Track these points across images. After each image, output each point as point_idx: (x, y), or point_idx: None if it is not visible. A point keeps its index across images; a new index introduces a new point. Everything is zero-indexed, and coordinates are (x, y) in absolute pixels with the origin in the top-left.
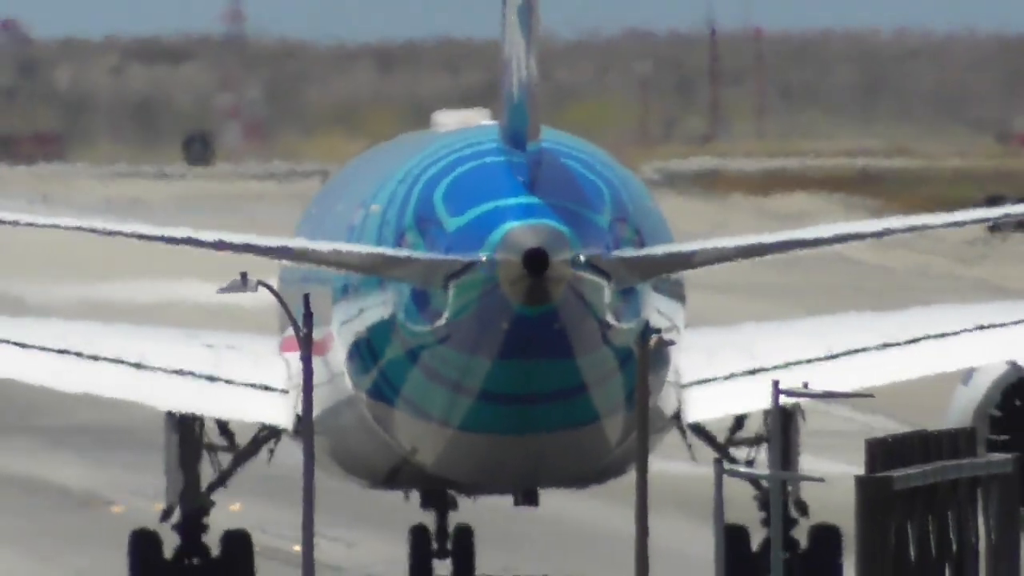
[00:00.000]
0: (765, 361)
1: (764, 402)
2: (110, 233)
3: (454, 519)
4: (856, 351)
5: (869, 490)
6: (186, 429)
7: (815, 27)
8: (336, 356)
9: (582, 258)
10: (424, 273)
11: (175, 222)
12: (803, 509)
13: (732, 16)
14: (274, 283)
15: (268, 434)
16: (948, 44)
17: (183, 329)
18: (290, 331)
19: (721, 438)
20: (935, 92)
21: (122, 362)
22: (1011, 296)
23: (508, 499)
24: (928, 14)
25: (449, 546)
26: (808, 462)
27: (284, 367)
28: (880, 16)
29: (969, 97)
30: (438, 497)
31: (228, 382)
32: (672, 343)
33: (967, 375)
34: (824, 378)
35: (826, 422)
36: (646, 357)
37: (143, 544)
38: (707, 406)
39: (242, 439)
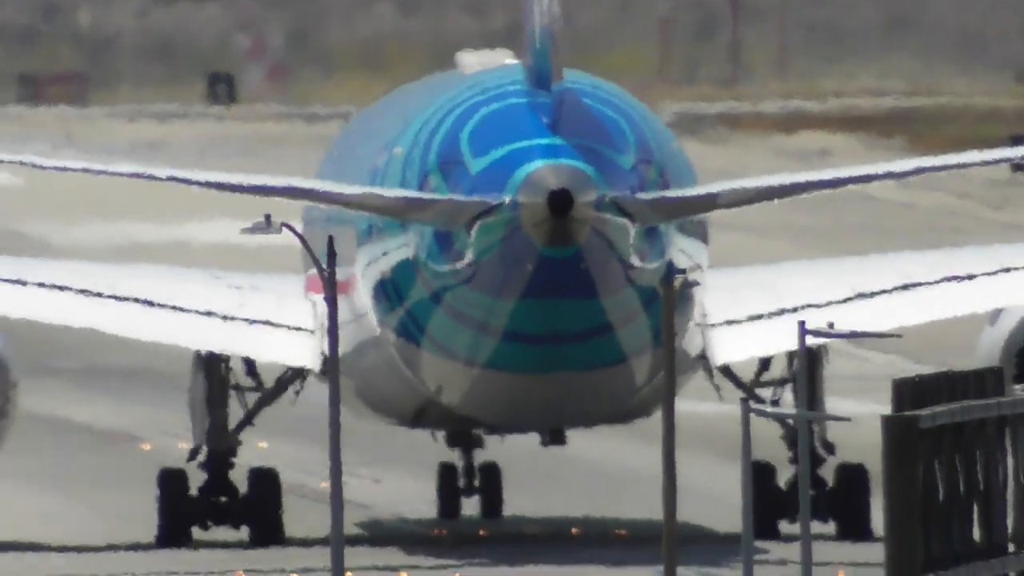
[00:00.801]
0: (790, 301)
1: (790, 342)
2: (133, 175)
3: (481, 458)
4: (882, 292)
5: (896, 429)
6: (212, 369)
7: None
8: (361, 297)
9: (606, 199)
10: (448, 215)
11: (198, 163)
12: (829, 448)
13: None
14: (298, 225)
15: (294, 374)
16: None
17: (208, 269)
18: (314, 271)
19: (747, 378)
20: (958, 31)
21: (147, 302)
22: None
23: (535, 438)
24: None
25: (476, 483)
26: (834, 403)
27: (310, 308)
28: None
29: (992, 37)
30: (464, 436)
31: (254, 322)
32: (697, 283)
33: (994, 315)
34: (850, 318)
35: (851, 363)
36: (672, 297)
37: (171, 482)
38: (733, 347)
39: (268, 379)
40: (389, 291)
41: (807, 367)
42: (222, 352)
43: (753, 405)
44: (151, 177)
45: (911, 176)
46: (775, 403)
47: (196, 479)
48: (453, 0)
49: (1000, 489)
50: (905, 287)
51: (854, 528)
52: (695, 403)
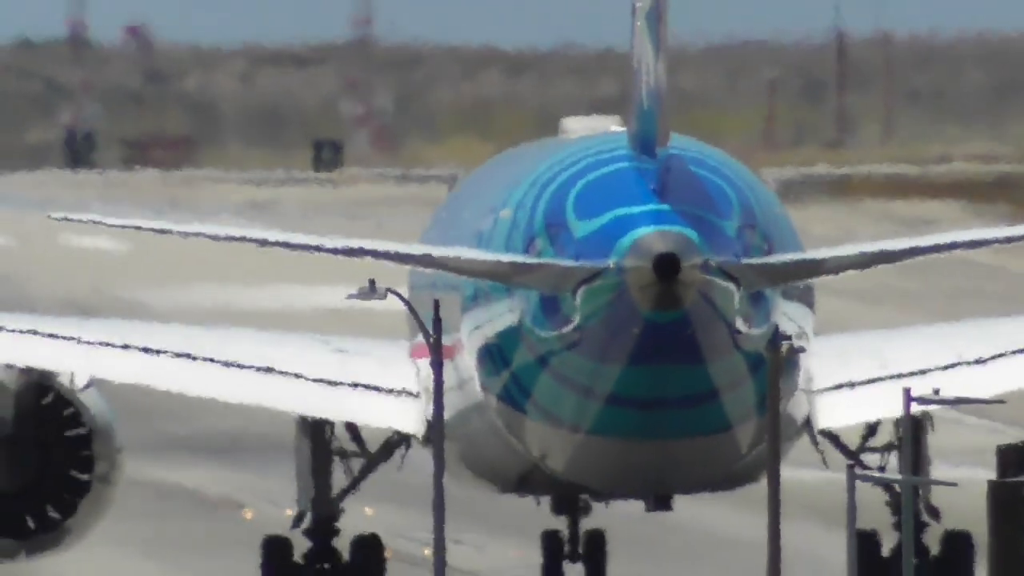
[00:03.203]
0: (895, 368)
1: (895, 409)
2: (237, 239)
3: (586, 525)
4: (986, 358)
5: (1001, 495)
6: (317, 434)
7: (944, 30)
8: (465, 362)
9: (712, 264)
10: (554, 279)
11: (304, 228)
12: (935, 514)
13: (860, 21)
14: (403, 290)
15: (399, 440)
16: None
17: (313, 334)
18: (420, 337)
19: (852, 445)
20: None
21: (253, 367)
22: None
23: (641, 504)
24: None
25: (581, 551)
26: (939, 469)
27: (414, 372)
28: (1010, 19)
29: None
30: (570, 502)
31: (359, 387)
32: (803, 349)
33: None
34: (955, 384)
35: (957, 429)
36: (777, 363)
37: (275, 549)
38: (838, 413)
39: (372, 445)
40: (494, 355)
41: (912, 433)
42: (326, 417)
43: (858, 471)
44: (256, 241)
45: (1012, 242)
46: (881, 470)
47: (300, 546)
48: (560, 65)
49: None
50: (1009, 353)
51: None
52: (800, 469)
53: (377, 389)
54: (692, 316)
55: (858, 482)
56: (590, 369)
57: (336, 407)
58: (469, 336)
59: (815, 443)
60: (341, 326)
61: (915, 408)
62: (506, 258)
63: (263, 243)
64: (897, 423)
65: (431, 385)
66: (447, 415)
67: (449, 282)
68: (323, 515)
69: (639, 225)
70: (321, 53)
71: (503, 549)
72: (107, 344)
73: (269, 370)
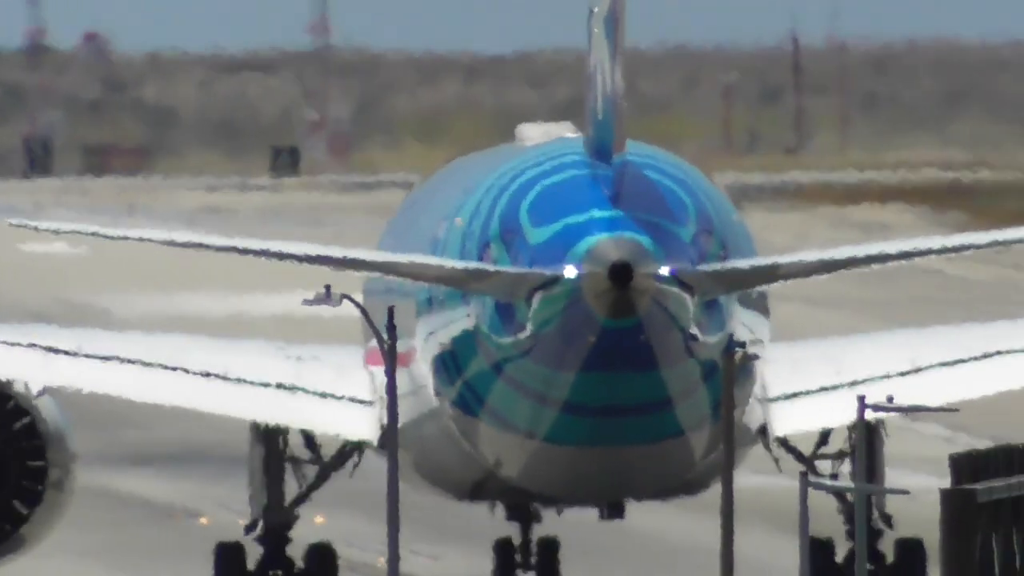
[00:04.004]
0: (850, 375)
1: (850, 416)
2: (194, 245)
3: (539, 532)
4: (941, 365)
5: (954, 503)
6: (271, 441)
7: (898, 38)
8: (420, 369)
9: (666, 271)
10: (508, 286)
11: (260, 234)
12: (888, 522)
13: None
14: (358, 296)
15: (352, 447)
16: None
17: (267, 341)
18: (374, 344)
19: (806, 452)
20: (1019, 102)
21: (206, 374)
22: None
23: (594, 512)
24: (1011, 23)
25: (534, 559)
26: (893, 476)
27: (369, 379)
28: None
29: None
30: (522, 510)
31: (313, 394)
32: (757, 357)
33: None
34: (909, 392)
35: (910, 437)
36: (731, 370)
37: (228, 556)
38: (793, 420)
39: (326, 452)
40: (448, 362)
41: (866, 441)
42: (280, 424)
43: (812, 478)
44: (209, 247)
45: (972, 249)
46: (834, 477)
47: (253, 553)
48: (515, 72)
49: None
50: (963, 360)
51: None
52: (754, 476)
53: (332, 396)
54: (646, 323)
55: (812, 489)
56: (544, 376)
57: (291, 414)
58: (424, 343)
59: (769, 450)
60: (296, 332)
61: (869, 415)
62: (461, 264)
63: (219, 249)
64: (851, 430)
65: (386, 392)
66: (402, 422)
67: (404, 289)
68: (276, 522)
69: (594, 232)
70: (279, 61)
71: (457, 557)
72: (63, 351)
73: (224, 377)
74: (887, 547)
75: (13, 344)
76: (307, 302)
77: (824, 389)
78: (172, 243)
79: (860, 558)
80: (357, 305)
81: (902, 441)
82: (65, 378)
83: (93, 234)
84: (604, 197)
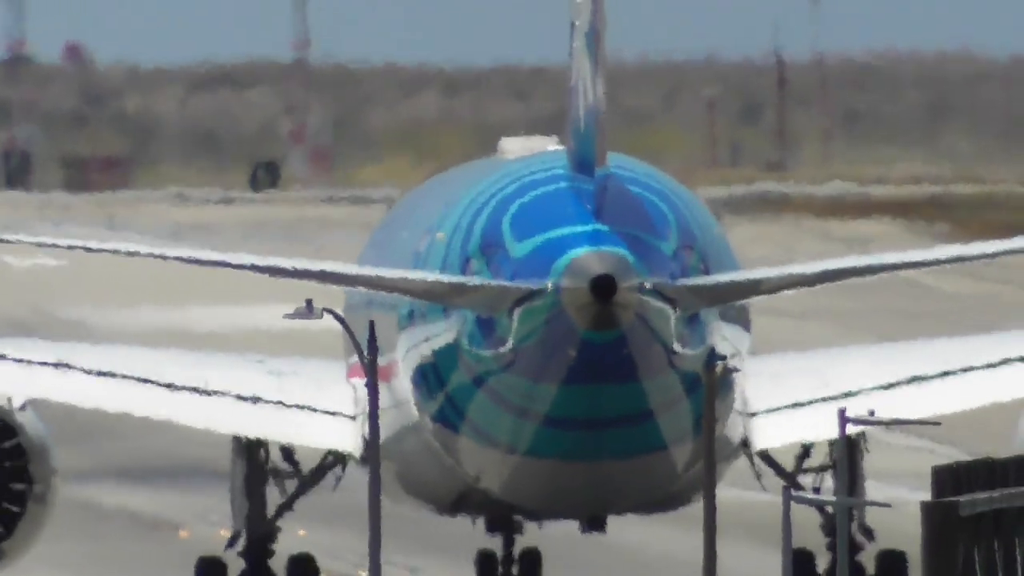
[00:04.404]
0: (831, 388)
1: (831, 429)
2: (176, 259)
3: (521, 544)
4: (922, 378)
5: (935, 516)
6: (252, 455)
7: (880, 51)
8: (402, 382)
9: (648, 285)
10: (490, 299)
11: (241, 248)
12: (869, 535)
13: (798, 41)
14: (340, 310)
15: (334, 460)
16: (1014, 67)
17: (249, 355)
18: (356, 357)
19: (788, 465)
20: (1002, 115)
21: (189, 388)
22: None
23: (576, 524)
24: (993, 37)
25: (515, 571)
26: (874, 489)
27: (350, 393)
28: (945, 39)
29: None
30: (504, 522)
31: (294, 408)
32: (738, 370)
33: None
34: (891, 405)
35: (892, 450)
36: (713, 384)
37: (209, 570)
38: (774, 433)
39: (307, 465)
40: (430, 376)
41: (847, 454)
42: (261, 437)
43: (793, 492)
44: (194, 261)
45: (955, 263)
46: (816, 490)
47: (235, 567)
48: (497, 85)
49: None
50: (946, 373)
51: None
52: (736, 490)
53: (313, 410)
54: (628, 337)
55: (794, 503)
56: (526, 389)
57: (273, 428)
58: (405, 356)
59: (752, 463)
60: (278, 346)
61: (850, 429)
62: (443, 278)
63: (200, 263)
64: (832, 444)
65: (367, 405)
66: (383, 435)
67: (386, 302)
68: (257, 535)
69: (576, 245)
70: (259, 74)
71: (439, 570)
72: (45, 364)
73: (206, 390)
74: (869, 560)
75: None
76: (288, 316)
77: (806, 402)
78: (153, 256)
79: (842, 571)
80: (338, 319)
81: (884, 455)
82: (47, 391)
83: (73, 248)
84: (586, 211)
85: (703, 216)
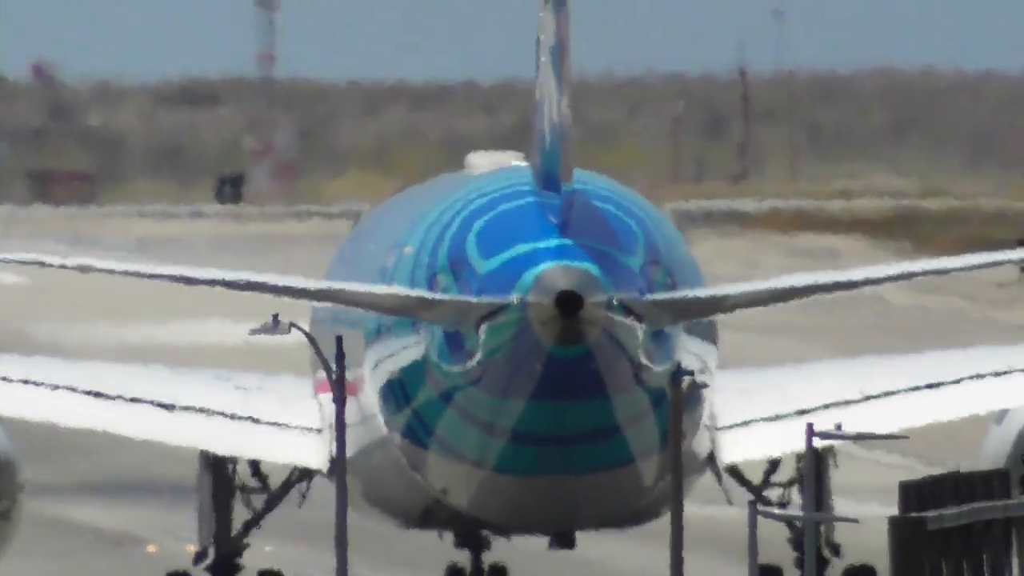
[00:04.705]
0: (799, 403)
1: (798, 444)
2: (140, 275)
3: (488, 559)
4: (889, 393)
5: (903, 531)
6: (219, 470)
7: (846, 67)
8: (369, 397)
9: (615, 300)
10: (456, 315)
11: (207, 263)
12: (836, 550)
13: (763, 57)
14: (306, 325)
15: (301, 475)
16: (979, 83)
17: (215, 371)
18: (323, 373)
19: (755, 480)
20: (966, 131)
21: (155, 403)
22: None
23: (544, 539)
24: (958, 53)
25: None
26: (842, 504)
27: (317, 408)
28: (910, 55)
29: (1001, 136)
30: (472, 537)
31: (261, 423)
32: (705, 385)
33: (1000, 416)
34: (858, 420)
35: (859, 465)
36: (679, 399)
37: None
38: (741, 448)
39: (275, 481)
40: (397, 391)
41: (814, 469)
42: (228, 453)
43: (760, 507)
44: (159, 276)
45: (919, 277)
46: (783, 505)
47: None
48: (463, 100)
49: None
50: (912, 388)
51: None
52: (703, 505)
53: (280, 425)
54: (595, 352)
55: (761, 517)
56: (492, 404)
57: (240, 443)
58: (372, 372)
59: (719, 478)
60: (244, 361)
61: (818, 443)
62: (409, 293)
63: (165, 278)
64: (799, 458)
65: (334, 421)
66: (350, 451)
67: (353, 318)
68: (225, 551)
69: (542, 261)
70: (225, 90)
71: None
72: (9, 380)
73: (172, 406)
74: (836, 573)
75: None
76: (255, 331)
77: (773, 417)
78: (117, 272)
79: None
80: (305, 334)
81: (851, 470)
82: (13, 406)
83: (38, 264)
84: (552, 226)
85: (669, 231)
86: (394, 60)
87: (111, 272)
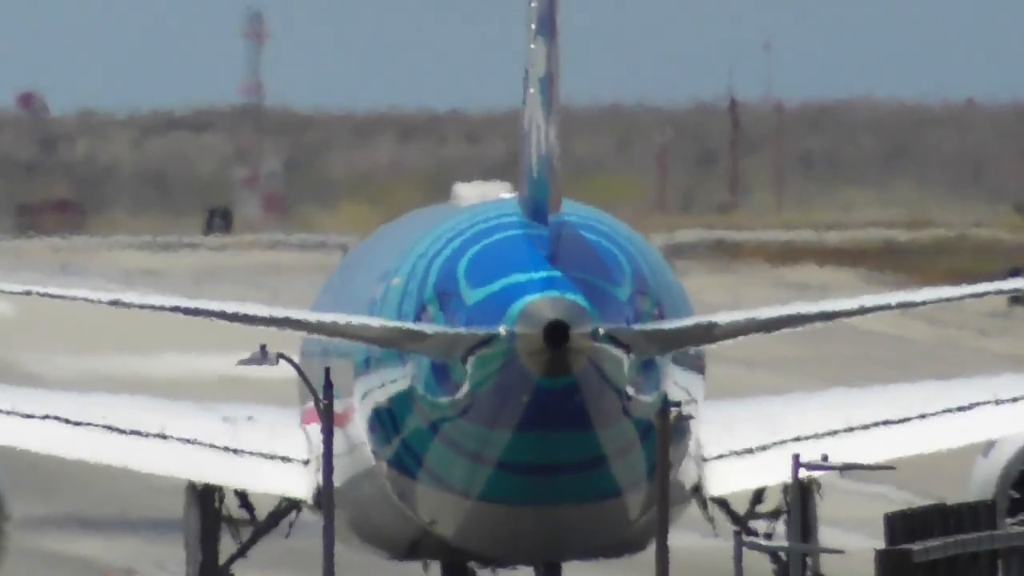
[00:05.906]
0: (785, 434)
1: (784, 475)
2: (128, 305)
3: None
4: (876, 424)
5: (889, 563)
6: (206, 501)
7: (834, 97)
8: (357, 428)
9: (602, 331)
10: (445, 346)
11: (194, 294)
12: None
13: (752, 87)
14: (295, 356)
15: (288, 506)
16: (967, 112)
17: (202, 402)
18: (311, 403)
19: (741, 511)
20: (955, 162)
21: (142, 434)
22: None
23: (531, 571)
24: (947, 83)
25: None
26: (829, 535)
27: (305, 439)
28: (899, 86)
29: (989, 167)
30: (459, 568)
31: (248, 454)
32: (692, 416)
33: (987, 447)
34: (844, 450)
35: (845, 497)
36: (666, 430)
37: None
38: (728, 479)
39: (262, 511)
40: (385, 422)
41: (800, 499)
42: (216, 484)
43: (746, 538)
44: (147, 307)
45: (907, 308)
46: (768, 536)
47: None
48: (451, 130)
49: None
50: (900, 419)
51: None
52: (689, 535)
53: (268, 456)
54: (582, 383)
55: (746, 548)
56: (480, 435)
57: (227, 474)
58: (361, 403)
59: (704, 509)
60: (232, 393)
61: (804, 474)
62: (397, 325)
63: (154, 308)
64: (785, 489)
65: (322, 451)
66: (338, 481)
67: (341, 349)
68: None
69: (529, 292)
70: (212, 119)
71: None
72: None
73: (160, 436)
74: None
75: None
76: (243, 362)
77: (759, 448)
78: (105, 303)
79: None
80: (293, 364)
81: (837, 501)
82: (1, 437)
83: (26, 293)
84: (540, 257)
85: (657, 262)
86: (382, 90)
87: (98, 302)
